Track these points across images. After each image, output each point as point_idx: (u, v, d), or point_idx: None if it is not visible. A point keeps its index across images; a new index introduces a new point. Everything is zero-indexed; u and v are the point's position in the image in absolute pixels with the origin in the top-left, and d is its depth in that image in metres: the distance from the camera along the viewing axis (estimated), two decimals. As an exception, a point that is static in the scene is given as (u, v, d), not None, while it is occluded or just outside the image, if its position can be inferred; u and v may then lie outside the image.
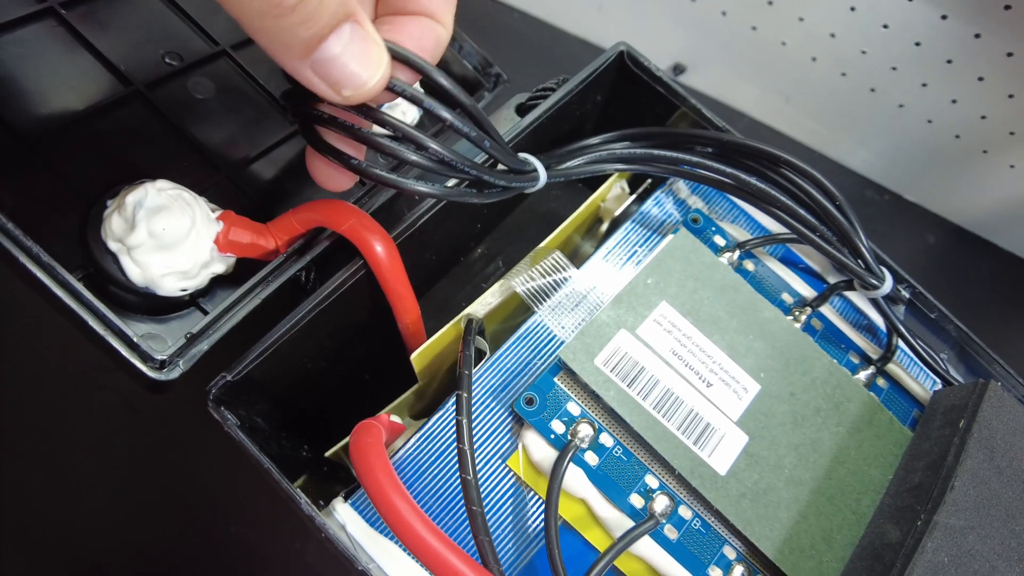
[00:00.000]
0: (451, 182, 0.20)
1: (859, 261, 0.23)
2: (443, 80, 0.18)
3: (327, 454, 0.25)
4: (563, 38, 0.47)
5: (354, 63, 0.16)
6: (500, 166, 0.20)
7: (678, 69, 0.48)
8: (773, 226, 0.26)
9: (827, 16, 0.39)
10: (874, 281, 0.23)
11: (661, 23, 0.44)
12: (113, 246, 0.21)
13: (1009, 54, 0.35)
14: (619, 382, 0.21)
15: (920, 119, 0.40)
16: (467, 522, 0.20)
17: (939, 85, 0.38)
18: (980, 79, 0.37)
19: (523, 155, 0.21)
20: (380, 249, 0.21)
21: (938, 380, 0.25)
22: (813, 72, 0.42)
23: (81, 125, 0.25)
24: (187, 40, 0.28)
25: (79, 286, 0.18)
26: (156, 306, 0.22)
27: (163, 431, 0.33)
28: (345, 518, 0.21)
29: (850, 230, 0.23)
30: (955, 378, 0.24)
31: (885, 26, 0.37)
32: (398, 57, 0.17)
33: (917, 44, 0.37)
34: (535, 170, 0.21)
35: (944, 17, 0.35)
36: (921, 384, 0.24)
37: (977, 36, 0.35)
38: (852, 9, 0.38)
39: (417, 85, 0.18)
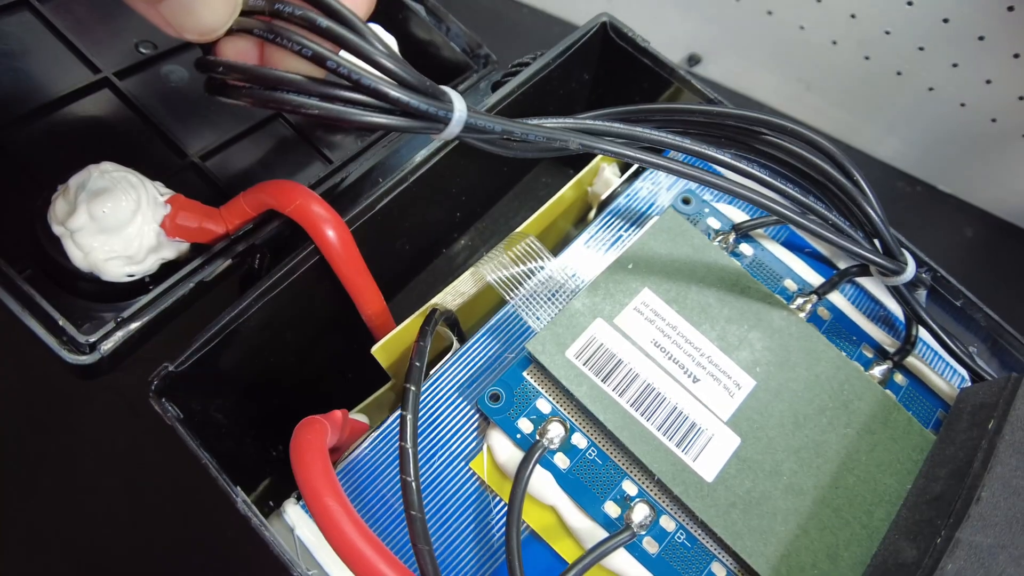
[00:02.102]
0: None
1: (877, 243, 0.20)
2: None
3: (293, 456, 0.23)
4: (571, 31, 0.45)
5: (204, 8, 0.15)
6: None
7: (693, 60, 0.46)
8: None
9: (847, -5, 0.36)
10: (894, 267, 0.20)
11: (673, 12, 0.42)
12: (57, 230, 0.20)
13: (1049, 27, 0.32)
14: (592, 376, 0.19)
15: (952, 102, 0.37)
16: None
17: (971, 65, 0.35)
18: (1016, 56, 0.34)
19: (443, 88, 0.16)
20: (331, 233, 0.19)
21: (967, 375, 0.22)
22: (834, 56, 0.39)
23: (46, 113, 0.24)
24: (162, 28, 0.28)
25: (5, 266, 0.17)
26: (111, 293, 0.21)
27: (164, 433, 0.32)
28: (295, 520, 0.19)
29: (869, 209, 0.20)
30: (987, 372, 0.21)
31: (909, 3, 0.35)
32: None
33: (945, 21, 0.34)
34: (449, 102, 0.16)
35: (974, -12, 0.33)
36: (947, 380, 0.22)
37: (1011, 9, 0.32)
38: (873, -15, 0.35)
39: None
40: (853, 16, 0.37)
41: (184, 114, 0.26)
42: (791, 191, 0.19)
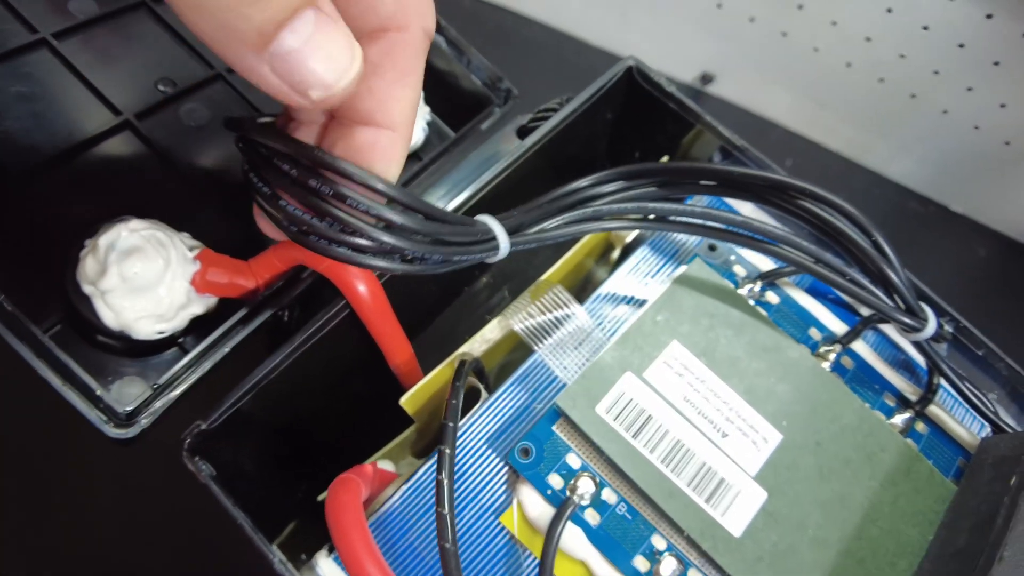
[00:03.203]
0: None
1: (897, 300, 0.21)
2: (338, 163, 0.15)
3: (320, 498, 0.23)
4: (585, 49, 0.45)
5: (321, 58, 0.13)
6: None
7: (706, 79, 0.46)
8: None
9: (862, 19, 0.36)
10: (916, 324, 0.21)
11: (687, 31, 0.42)
12: (87, 289, 0.20)
13: (1065, 54, 0.32)
14: (623, 432, 0.19)
15: (966, 125, 0.38)
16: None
17: (986, 89, 0.35)
18: (1032, 82, 0.34)
19: (481, 218, 0.18)
20: (362, 289, 0.19)
21: (987, 424, 0.22)
22: (848, 78, 0.39)
23: (68, 158, 0.24)
24: (182, 65, 0.28)
25: (41, 334, 0.17)
26: (138, 348, 0.21)
27: (159, 447, 0.32)
28: (327, 574, 0.19)
29: (886, 267, 0.20)
30: (1006, 423, 0.21)
31: (925, 28, 0.35)
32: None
33: (960, 46, 0.34)
34: (492, 238, 0.18)
35: (989, 16, 0.32)
36: (968, 428, 0.22)
37: (1028, 36, 0.32)
38: (889, 11, 0.35)
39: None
40: (868, 39, 0.37)
41: (203, 155, 0.26)
42: (812, 247, 0.20)
